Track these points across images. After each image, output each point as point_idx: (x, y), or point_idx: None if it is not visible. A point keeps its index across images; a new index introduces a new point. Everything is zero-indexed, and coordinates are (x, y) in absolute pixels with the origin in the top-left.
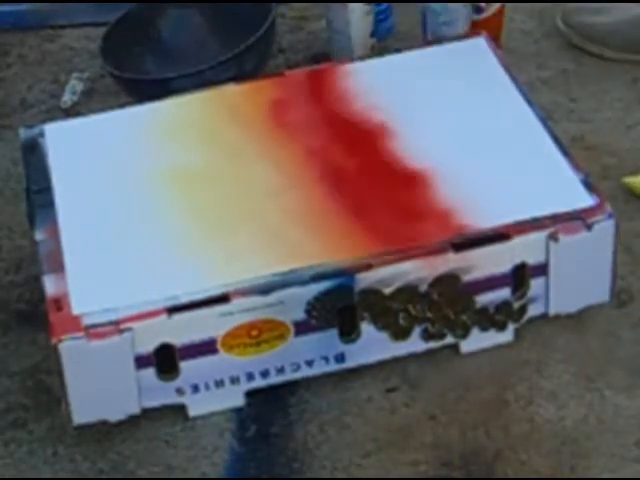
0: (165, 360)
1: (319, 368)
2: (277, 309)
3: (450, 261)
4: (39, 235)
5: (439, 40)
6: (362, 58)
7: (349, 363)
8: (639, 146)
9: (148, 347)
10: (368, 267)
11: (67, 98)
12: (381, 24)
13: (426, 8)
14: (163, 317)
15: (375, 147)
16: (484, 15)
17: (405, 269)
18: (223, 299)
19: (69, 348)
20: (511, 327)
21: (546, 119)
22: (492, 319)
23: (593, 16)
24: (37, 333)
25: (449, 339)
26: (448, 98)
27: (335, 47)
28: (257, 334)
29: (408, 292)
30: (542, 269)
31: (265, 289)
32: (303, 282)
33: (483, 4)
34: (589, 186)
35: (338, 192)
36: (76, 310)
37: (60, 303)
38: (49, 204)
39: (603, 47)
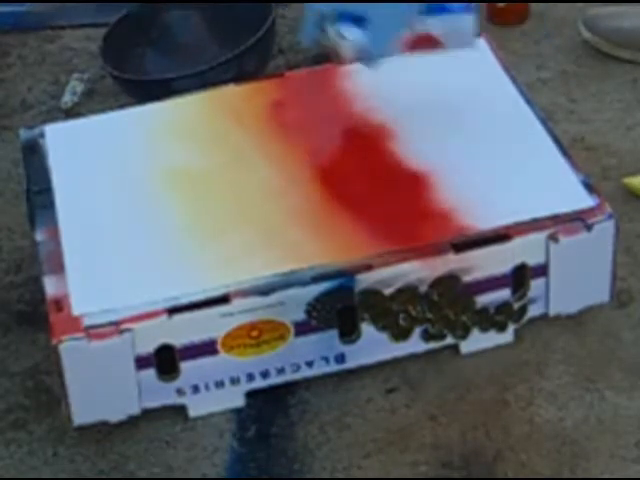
0: (165, 361)
1: (319, 369)
2: (277, 310)
3: (450, 262)
4: (39, 236)
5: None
6: None
7: (349, 364)
8: (639, 147)
9: (148, 348)
10: (368, 268)
11: (67, 99)
12: None
13: None
14: (163, 318)
15: (375, 148)
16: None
17: (405, 270)
18: (223, 300)
19: (69, 349)
20: (511, 328)
21: (546, 120)
22: (492, 320)
23: (618, 21)
24: (37, 334)
25: (449, 340)
26: (448, 99)
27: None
28: (257, 335)
29: (408, 293)
30: (542, 270)
31: (265, 290)
32: (303, 283)
33: None
34: (589, 187)
35: (338, 193)
36: (76, 311)
37: (60, 304)
38: (49, 205)
39: (635, 52)
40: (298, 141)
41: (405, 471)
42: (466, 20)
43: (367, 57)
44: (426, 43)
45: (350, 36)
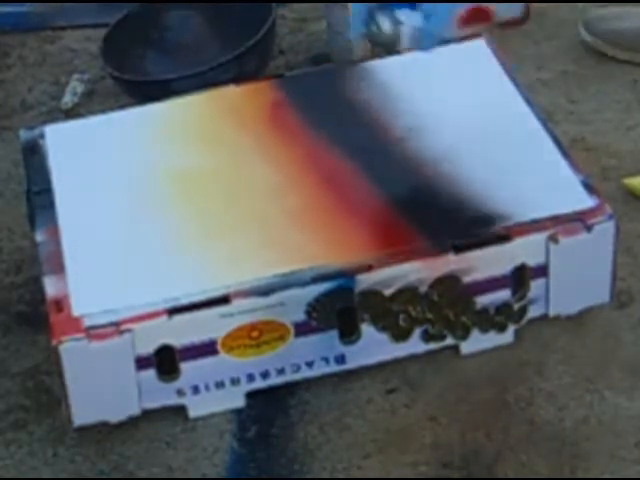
0: (165, 361)
1: (319, 369)
2: (277, 310)
3: (450, 262)
4: (39, 236)
5: (440, 42)
6: (362, 59)
7: (349, 364)
8: (639, 147)
9: (148, 348)
10: (368, 268)
11: (67, 99)
12: None
13: None
14: (163, 318)
15: (375, 148)
16: None
17: (405, 270)
18: (223, 300)
19: (69, 349)
20: (511, 328)
21: (546, 120)
22: (492, 320)
23: (617, 22)
24: (38, 334)
25: (449, 340)
26: (449, 99)
27: (335, 48)
28: (257, 335)
29: (408, 293)
30: (542, 270)
31: (265, 290)
32: (303, 283)
33: None
34: (589, 187)
35: (338, 193)
36: (76, 311)
37: (60, 304)
38: (49, 205)
39: (633, 53)
40: (298, 142)
41: (405, 471)
42: None
43: (426, 39)
44: (479, 17)
45: (408, 21)
